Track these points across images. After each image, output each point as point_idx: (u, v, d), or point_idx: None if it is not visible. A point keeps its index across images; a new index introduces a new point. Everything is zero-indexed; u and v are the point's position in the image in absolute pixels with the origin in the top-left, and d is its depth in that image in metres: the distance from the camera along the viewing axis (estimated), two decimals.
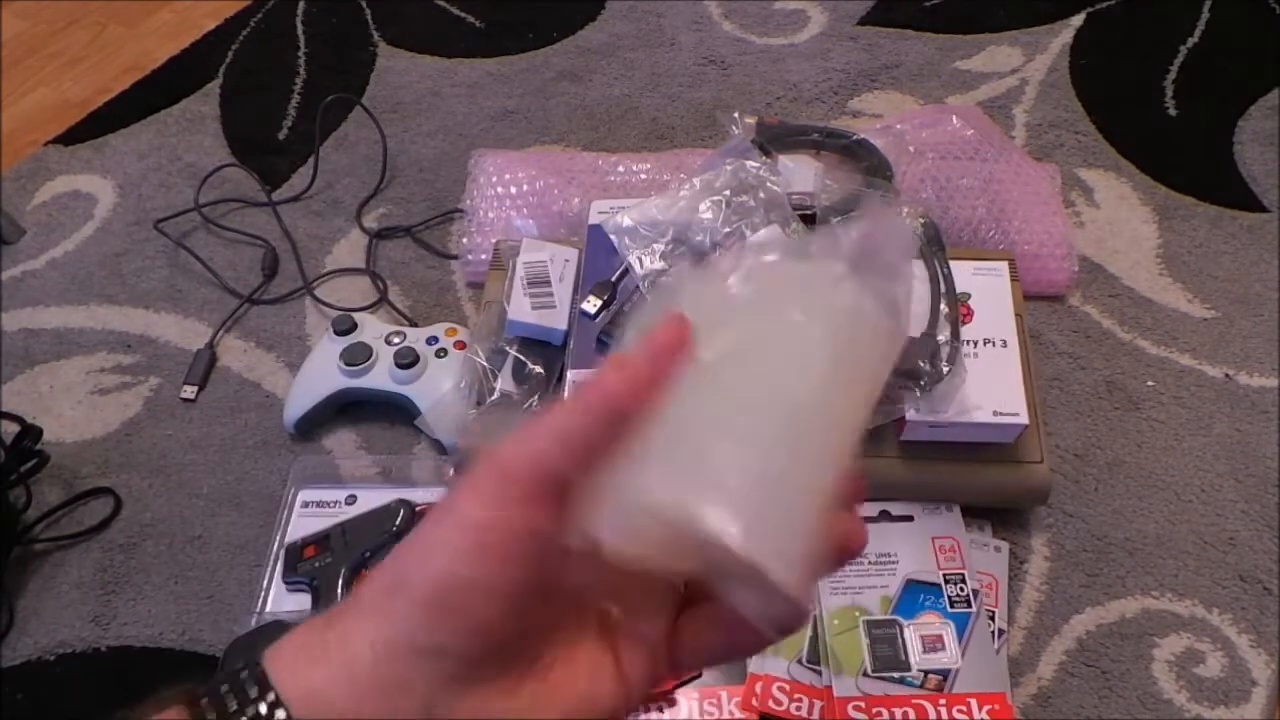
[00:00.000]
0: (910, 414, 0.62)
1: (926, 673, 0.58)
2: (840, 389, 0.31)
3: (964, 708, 0.57)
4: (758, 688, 0.59)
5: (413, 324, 0.79)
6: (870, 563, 0.63)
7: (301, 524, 0.67)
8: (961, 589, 0.61)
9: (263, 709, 0.27)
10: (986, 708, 0.57)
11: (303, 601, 0.64)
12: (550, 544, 0.28)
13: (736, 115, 0.79)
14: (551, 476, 0.28)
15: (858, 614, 0.61)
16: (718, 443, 0.28)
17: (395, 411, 0.73)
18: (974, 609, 0.61)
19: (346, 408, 0.74)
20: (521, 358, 0.71)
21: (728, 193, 0.70)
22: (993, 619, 0.61)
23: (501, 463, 0.28)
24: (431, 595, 0.27)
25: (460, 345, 0.74)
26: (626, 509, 0.28)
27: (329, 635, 0.28)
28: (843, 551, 0.31)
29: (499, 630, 0.28)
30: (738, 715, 0.58)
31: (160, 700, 0.28)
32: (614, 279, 0.70)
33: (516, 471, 0.28)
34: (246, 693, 0.27)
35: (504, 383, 0.70)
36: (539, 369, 0.70)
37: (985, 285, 0.68)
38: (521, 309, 0.71)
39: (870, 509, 0.65)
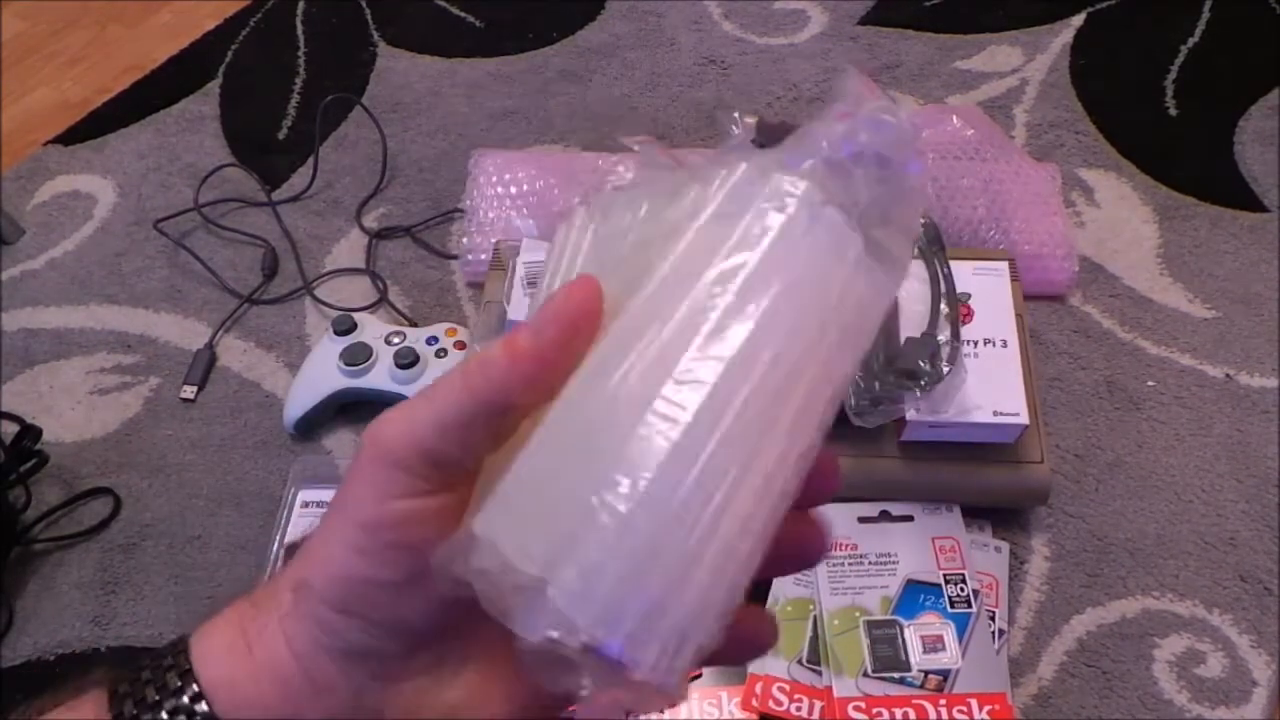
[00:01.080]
0: (910, 414, 0.62)
1: (927, 673, 0.58)
2: (788, 375, 0.24)
3: (964, 708, 0.57)
4: (758, 688, 0.59)
5: (413, 324, 0.79)
6: (870, 563, 0.63)
7: (301, 524, 0.67)
8: (962, 589, 0.61)
9: (185, 700, 0.26)
10: (987, 708, 0.57)
11: None
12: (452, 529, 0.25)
13: (737, 115, 0.78)
14: (436, 461, 0.25)
15: (858, 614, 0.61)
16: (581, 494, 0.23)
17: None
18: (974, 609, 0.61)
19: (346, 408, 0.74)
20: None
21: None
22: (993, 619, 0.61)
23: (384, 447, 0.25)
24: (337, 598, 0.26)
25: (460, 345, 0.74)
26: (464, 540, 0.24)
27: (251, 629, 0.27)
28: (798, 559, 0.28)
29: (419, 624, 0.26)
30: (738, 715, 0.58)
31: (81, 686, 0.27)
32: None
33: (399, 457, 0.25)
34: (168, 684, 0.26)
35: None
36: None
37: (985, 285, 0.68)
38: (521, 309, 0.71)
39: (870, 509, 0.65)
